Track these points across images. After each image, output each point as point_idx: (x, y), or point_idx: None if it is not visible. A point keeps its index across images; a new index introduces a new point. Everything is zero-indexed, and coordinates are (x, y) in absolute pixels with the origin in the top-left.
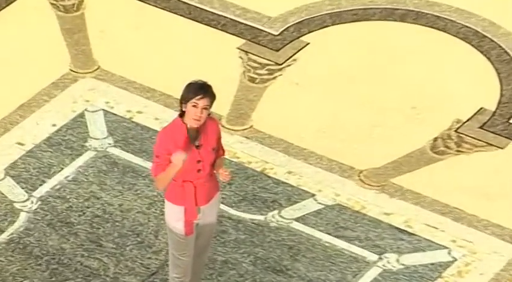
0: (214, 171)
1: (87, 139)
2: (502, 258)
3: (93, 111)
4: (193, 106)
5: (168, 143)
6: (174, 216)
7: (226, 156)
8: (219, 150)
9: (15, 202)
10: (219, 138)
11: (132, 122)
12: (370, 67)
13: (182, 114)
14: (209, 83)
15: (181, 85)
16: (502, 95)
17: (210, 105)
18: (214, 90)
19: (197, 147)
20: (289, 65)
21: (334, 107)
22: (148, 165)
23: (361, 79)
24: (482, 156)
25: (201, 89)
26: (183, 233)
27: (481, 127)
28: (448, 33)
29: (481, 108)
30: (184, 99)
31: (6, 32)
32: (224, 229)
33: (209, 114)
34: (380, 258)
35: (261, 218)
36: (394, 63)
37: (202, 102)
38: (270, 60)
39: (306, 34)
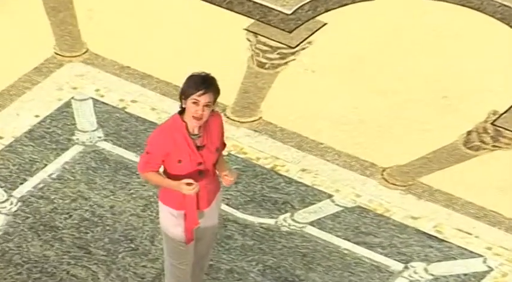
0: (216, 171)
1: (74, 132)
2: None
3: (81, 100)
4: (194, 103)
5: (166, 143)
6: (172, 222)
7: (232, 152)
8: (221, 147)
9: None
10: (222, 135)
11: (126, 112)
12: (395, 51)
13: (182, 111)
14: (213, 74)
15: (181, 71)
16: None
17: (213, 102)
18: (219, 78)
19: (199, 148)
20: (303, 49)
21: (353, 96)
22: None
23: (384, 64)
24: None
25: (202, 84)
26: (183, 240)
27: None
28: (484, 12)
29: None
30: (184, 94)
31: None
32: (229, 234)
33: (212, 110)
34: (406, 268)
35: (271, 221)
36: (421, 46)
37: (204, 99)
38: (282, 43)
39: (322, 13)
